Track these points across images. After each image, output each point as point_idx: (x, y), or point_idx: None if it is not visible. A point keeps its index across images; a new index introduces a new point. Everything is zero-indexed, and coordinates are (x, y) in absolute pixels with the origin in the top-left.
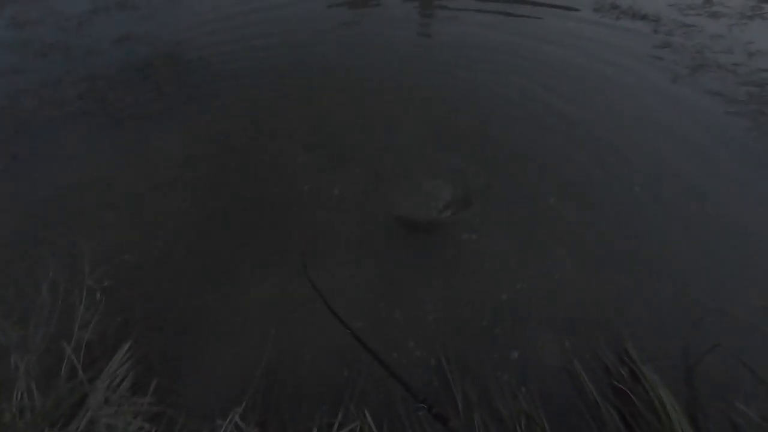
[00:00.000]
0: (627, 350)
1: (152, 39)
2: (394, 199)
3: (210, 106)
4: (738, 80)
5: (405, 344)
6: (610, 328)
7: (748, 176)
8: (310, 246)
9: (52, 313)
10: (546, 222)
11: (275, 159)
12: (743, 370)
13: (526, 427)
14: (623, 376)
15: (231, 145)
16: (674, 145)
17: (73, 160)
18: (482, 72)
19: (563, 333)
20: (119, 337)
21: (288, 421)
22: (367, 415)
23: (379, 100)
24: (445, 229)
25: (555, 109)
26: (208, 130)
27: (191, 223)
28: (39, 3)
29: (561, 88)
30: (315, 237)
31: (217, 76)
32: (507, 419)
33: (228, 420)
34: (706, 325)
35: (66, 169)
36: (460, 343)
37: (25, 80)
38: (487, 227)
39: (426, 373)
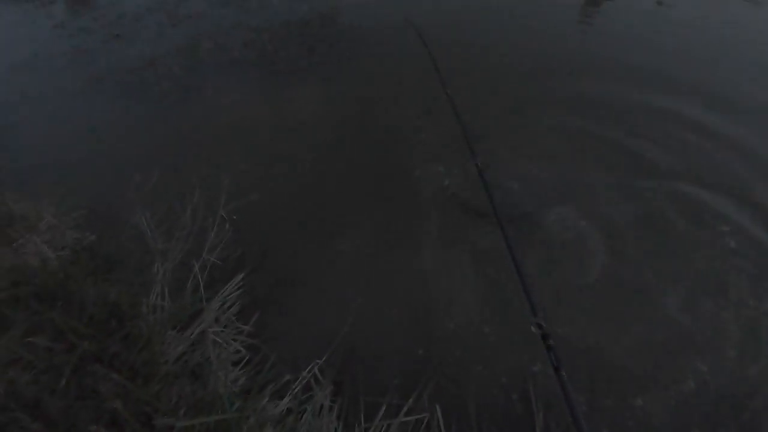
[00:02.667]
0: None
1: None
2: None
3: (352, 70)
4: None
5: None
6: None
7: None
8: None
9: (190, 233)
10: None
11: (399, 127)
12: None
13: None
14: None
15: (366, 109)
16: None
17: (229, 101)
18: None
19: None
20: (236, 267)
21: (361, 388)
22: (438, 411)
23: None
24: None
25: None
26: (347, 92)
27: (318, 176)
28: None
29: None
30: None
31: (364, 42)
32: None
33: (308, 370)
34: None
35: (223, 109)
36: None
37: (205, 25)
38: None
39: None
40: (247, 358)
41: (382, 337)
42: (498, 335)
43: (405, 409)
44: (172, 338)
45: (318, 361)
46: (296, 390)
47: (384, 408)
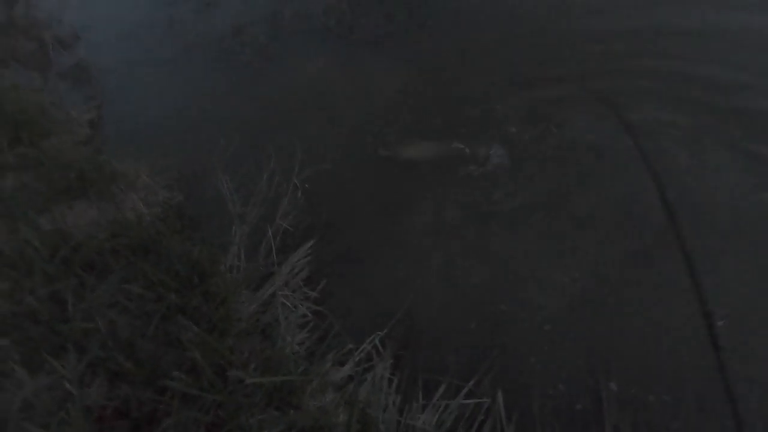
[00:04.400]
0: None
1: None
2: None
3: (430, 40)
4: None
5: None
6: None
7: None
8: None
9: (266, 198)
10: None
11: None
12: None
13: None
14: None
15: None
16: None
17: (308, 71)
18: None
19: None
20: (306, 235)
21: (421, 364)
22: (499, 396)
23: None
24: None
25: None
26: (423, 61)
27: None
28: None
29: None
30: None
31: (444, 10)
32: None
33: (369, 340)
34: None
35: (302, 78)
36: None
37: None
38: None
39: None
40: (312, 322)
41: (446, 317)
42: (573, 328)
43: (465, 390)
44: (246, 297)
45: (379, 333)
46: (358, 359)
47: (443, 387)
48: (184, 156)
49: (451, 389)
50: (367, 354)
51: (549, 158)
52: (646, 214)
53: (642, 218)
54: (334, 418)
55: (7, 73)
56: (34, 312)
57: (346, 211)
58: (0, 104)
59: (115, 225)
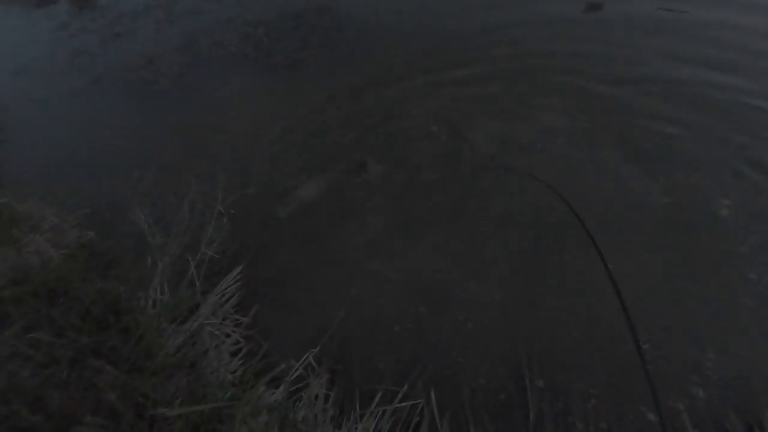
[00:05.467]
0: None
1: None
2: None
3: (346, 60)
4: None
5: None
6: None
7: None
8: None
9: (188, 227)
10: None
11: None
12: None
13: None
14: None
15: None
16: None
17: (226, 97)
18: None
19: None
20: (234, 260)
21: (356, 375)
22: (432, 396)
23: None
24: None
25: None
26: (340, 81)
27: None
28: None
29: None
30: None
31: (360, 31)
32: None
33: (303, 359)
34: None
35: (219, 104)
36: None
37: (201, 21)
38: None
39: None
40: (244, 348)
41: (377, 327)
42: (493, 321)
43: (399, 396)
44: (172, 331)
45: (313, 350)
46: (291, 378)
47: (380, 395)
48: (96, 191)
49: (387, 396)
50: (302, 373)
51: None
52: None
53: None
54: None
55: None
56: None
57: (275, 236)
58: None
59: (17, 271)
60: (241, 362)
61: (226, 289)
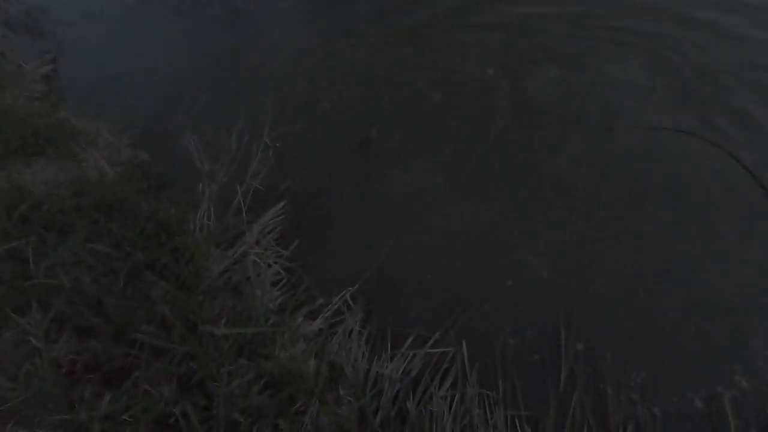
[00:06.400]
0: None
1: None
2: None
3: None
4: None
5: None
6: None
7: None
8: None
9: (235, 156)
10: None
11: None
12: None
13: None
14: None
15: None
16: None
17: (278, 28)
18: None
19: None
20: (278, 195)
21: (390, 317)
22: (464, 346)
23: None
24: None
25: None
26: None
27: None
28: None
29: None
30: None
31: None
32: None
33: (341, 296)
34: None
35: (271, 35)
36: None
37: None
38: None
39: None
40: (285, 280)
41: (416, 273)
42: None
43: (430, 342)
44: (217, 255)
45: (350, 288)
46: (328, 313)
47: (411, 338)
48: (148, 113)
49: (419, 340)
50: (338, 309)
51: None
52: None
53: None
54: (304, 366)
55: None
56: None
57: (320, 172)
58: None
59: (77, 183)
60: (279, 292)
61: (269, 220)
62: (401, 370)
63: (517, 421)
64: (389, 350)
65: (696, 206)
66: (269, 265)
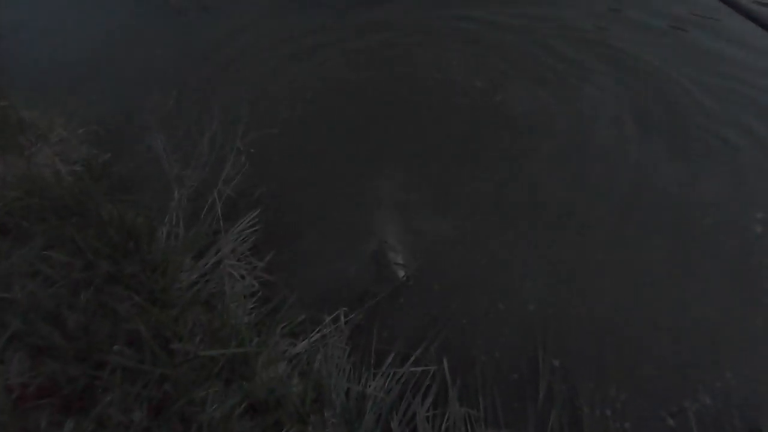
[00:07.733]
0: None
1: None
2: None
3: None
4: None
5: None
6: None
7: None
8: None
9: (207, 161)
10: None
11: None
12: None
13: None
14: None
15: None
16: None
17: (257, 21)
18: None
19: None
20: (251, 202)
21: (374, 336)
22: (445, 363)
23: None
24: None
25: None
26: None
27: (339, 112)
28: None
29: None
30: None
31: None
32: None
33: (331, 317)
34: None
35: (242, 31)
36: None
37: None
38: None
39: None
40: (260, 293)
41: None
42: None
43: (411, 359)
44: (186, 266)
45: (344, 308)
46: (316, 335)
47: (392, 356)
48: (106, 108)
49: (399, 357)
50: (321, 325)
51: None
52: None
53: None
54: (288, 388)
55: None
56: None
57: (295, 179)
58: None
59: (28, 182)
60: (254, 305)
61: (243, 230)
62: (383, 389)
63: None
64: (372, 368)
65: (666, 225)
66: (242, 277)
